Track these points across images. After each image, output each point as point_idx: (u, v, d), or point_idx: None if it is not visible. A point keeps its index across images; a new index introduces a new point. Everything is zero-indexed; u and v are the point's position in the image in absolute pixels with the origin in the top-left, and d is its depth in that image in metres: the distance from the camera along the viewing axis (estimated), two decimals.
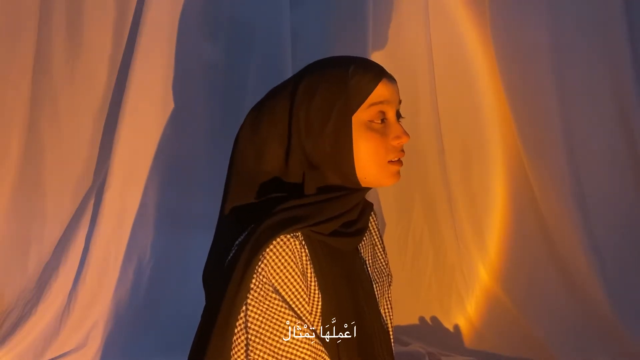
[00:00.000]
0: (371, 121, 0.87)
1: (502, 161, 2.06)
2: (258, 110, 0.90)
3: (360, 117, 0.86)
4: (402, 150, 0.89)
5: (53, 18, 1.83)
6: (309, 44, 1.93)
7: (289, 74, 1.82)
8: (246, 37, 1.89)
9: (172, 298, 1.81)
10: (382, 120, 0.88)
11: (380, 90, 0.87)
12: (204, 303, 0.89)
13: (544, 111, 1.96)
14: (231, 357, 0.79)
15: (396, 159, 0.88)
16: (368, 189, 0.90)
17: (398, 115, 0.91)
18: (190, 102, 1.85)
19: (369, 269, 0.96)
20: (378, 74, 0.88)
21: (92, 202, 1.84)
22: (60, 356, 1.71)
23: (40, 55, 1.83)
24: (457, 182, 2.06)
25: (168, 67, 1.81)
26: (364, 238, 0.97)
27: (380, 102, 0.87)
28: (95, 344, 1.74)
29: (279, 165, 0.88)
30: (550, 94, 1.95)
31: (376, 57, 1.90)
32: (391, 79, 0.90)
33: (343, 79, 0.86)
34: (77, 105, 1.87)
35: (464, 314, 1.99)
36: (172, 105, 1.83)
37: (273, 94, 0.90)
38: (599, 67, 1.98)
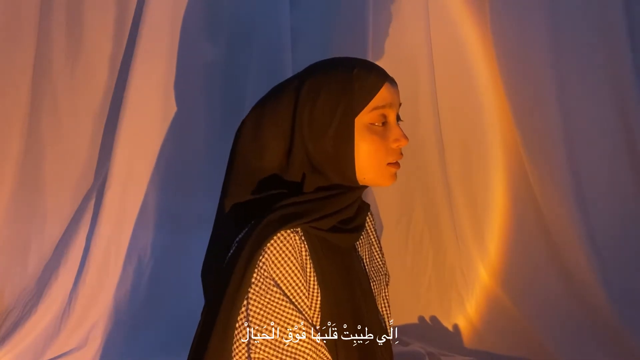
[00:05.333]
0: (372, 124, 0.88)
1: (502, 161, 2.06)
2: (261, 108, 0.90)
3: (362, 119, 0.87)
4: (401, 153, 0.91)
5: (53, 18, 1.83)
6: (309, 44, 1.92)
7: (289, 73, 1.82)
8: (246, 37, 1.89)
9: (171, 298, 1.81)
10: (383, 123, 0.89)
11: (383, 94, 0.88)
12: (203, 301, 0.89)
13: (544, 111, 1.96)
14: (233, 350, 0.80)
15: (394, 161, 0.90)
16: (365, 187, 0.91)
17: (398, 118, 0.92)
18: (190, 102, 1.85)
19: (366, 266, 0.97)
20: (381, 77, 0.89)
21: (92, 202, 1.85)
22: (60, 356, 1.71)
23: (40, 55, 1.83)
24: (457, 182, 2.06)
25: (168, 67, 1.81)
26: (362, 237, 0.98)
27: (383, 106, 0.88)
28: (95, 344, 1.74)
29: (279, 164, 0.89)
30: (550, 93, 1.95)
31: (376, 57, 1.90)
32: (393, 82, 0.91)
33: (347, 81, 0.86)
34: (77, 105, 1.87)
35: (464, 314, 1.99)
36: (172, 105, 1.84)
37: (276, 93, 0.90)
38: (599, 66, 1.98)
